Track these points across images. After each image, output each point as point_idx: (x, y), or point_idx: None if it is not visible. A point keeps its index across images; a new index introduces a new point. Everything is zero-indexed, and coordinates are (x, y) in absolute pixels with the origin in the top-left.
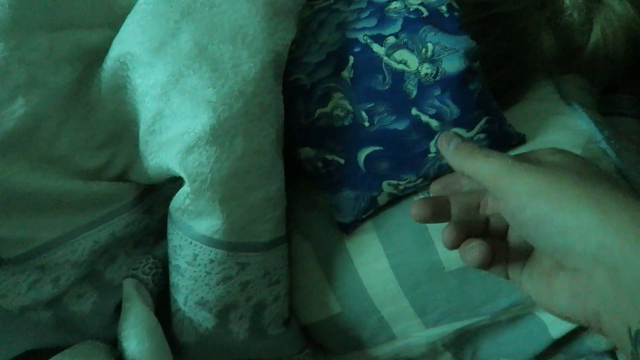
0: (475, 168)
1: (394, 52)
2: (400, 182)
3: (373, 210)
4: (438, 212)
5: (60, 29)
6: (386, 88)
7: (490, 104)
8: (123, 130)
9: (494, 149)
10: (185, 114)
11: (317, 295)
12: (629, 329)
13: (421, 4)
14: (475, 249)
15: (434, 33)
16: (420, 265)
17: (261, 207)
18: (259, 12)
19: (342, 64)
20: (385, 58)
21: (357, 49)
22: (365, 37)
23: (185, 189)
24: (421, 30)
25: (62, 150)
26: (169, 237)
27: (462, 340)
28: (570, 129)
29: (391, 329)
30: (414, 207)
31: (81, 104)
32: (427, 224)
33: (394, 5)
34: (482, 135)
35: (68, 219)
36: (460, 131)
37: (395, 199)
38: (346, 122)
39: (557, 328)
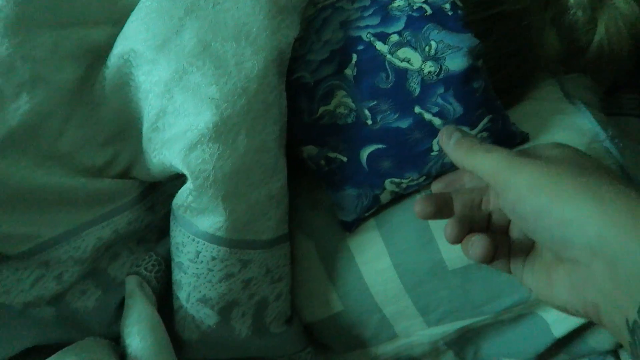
0: (476, 162)
1: (398, 50)
2: (403, 181)
3: (376, 209)
4: (441, 208)
5: (64, 26)
6: (389, 86)
7: (494, 103)
8: (127, 127)
9: None
10: (188, 111)
11: (319, 294)
12: (627, 320)
13: (425, 2)
14: (477, 243)
15: (437, 31)
16: (423, 263)
17: (264, 205)
18: (262, 9)
19: (346, 62)
20: (389, 56)
21: (360, 47)
22: (368, 35)
23: (188, 186)
24: (425, 29)
25: (65, 147)
26: (172, 234)
27: (464, 339)
28: (573, 128)
29: (393, 327)
30: (417, 204)
31: (85, 101)
32: (430, 223)
33: (397, 3)
34: (485, 134)
35: (71, 215)
36: (464, 129)
37: (397, 198)
38: (349, 120)
39: (560, 327)
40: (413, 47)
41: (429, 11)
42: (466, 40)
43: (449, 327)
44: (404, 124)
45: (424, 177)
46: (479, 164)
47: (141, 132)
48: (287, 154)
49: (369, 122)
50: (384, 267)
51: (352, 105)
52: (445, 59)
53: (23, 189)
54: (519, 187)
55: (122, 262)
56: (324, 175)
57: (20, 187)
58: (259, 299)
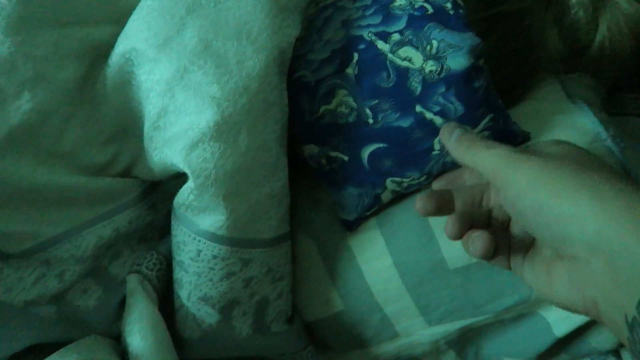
0: (476, 159)
1: (399, 49)
2: (404, 180)
3: (377, 208)
4: (442, 205)
5: (66, 25)
6: (390, 85)
7: (495, 102)
8: (128, 126)
9: None
10: (189, 109)
11: (320, 293)
12: (626, 317)
13: (426, 1)
14: (478, 239)
15: (438, 30)
16: (424, 263)
17: (265, 204)
18: (263, 8)
19: (347, 61)
20: (390, 55)
21: (361, 46)
22: (370, 34)
23: (190, 184)
24: (426, 28)
25: (67, 145)
26: (173, 232)
27: (465, 339)
28: (575, 127)
29: (394, 326)
30: (418, 201)
31: (87, 100)
32: (431, 222)
33: (398, 2)
34: (486, 133)
35: (73, 214)
36: (465, 126)
37: (399, 197)
38: (350, 119)
39: (561, 327)
40: (414, 46)
41: (431, 10)
42: (467, 39)
43: (450, 327)
44: (405, 123)
45: (425, 176)
46: (479, 160)
47: (142, 131)
48: (288, 153)
49: (370, 121)
50: (385, 266)
51: (353, 104)
52: (446, 58)
53: (24, 187)
54: (518, 184)
55: (123, 261)
56: (325, 174)
57: (21, 186)
58: (260, 298)
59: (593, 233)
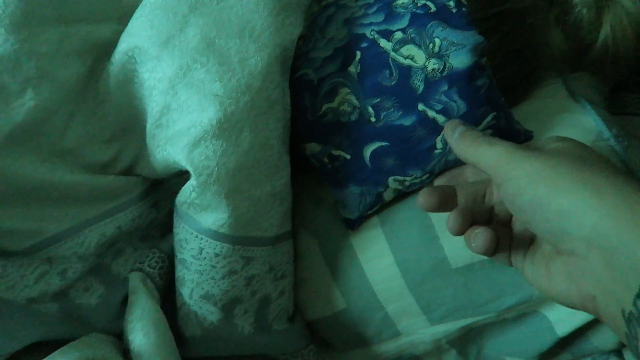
0: (478, 154)
1: (401, 47)
2: (406, 178)
3: (379, 206)
4: (445, 201)
5: (69, 22)
6: (393, 83)
7: (498, 100)
8: (131, 124)
9: None
10: (192, 107)
11: (322, 291)
12: (623, 311)
13: None
14: (480, 235)
15: (441, 28)
16: (426, 261)
17: (267, 202)
18: (266, 6)
19: (349, 59)
20: (392, 53)
21: (364, 44)
22: (372, 33)
23: (192, 182)
24: (429, 26)
25: (70, 143)
26: (175, 230)
27: (467, 338)
28: (578, 126)
29: (396, 325)
30: (421, 196)
31: (90, 98)
32: (433, 221)
33: (401, 0)
34: (489, 131)
35: (75, 212)
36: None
37: (401, 195)
38: (353, 118)
39: (563, 326)
40: (417, 45)
41: (433, 8)
42: (470, 37)
43: (452, 326)
44: (408, 121)
45: (427, 175)
46: (481, 156)
47: (145, 129)
48: (290, 152)
49: (373, 119)
50: (386, 265)
51: (356, 102)
52: (449, 57)
53: (27, 184)
54: (518, 179)
55: (125, 259)
56: (327, 172)
57: (24, 183)
58: (262, 296)
59: (591, 228)
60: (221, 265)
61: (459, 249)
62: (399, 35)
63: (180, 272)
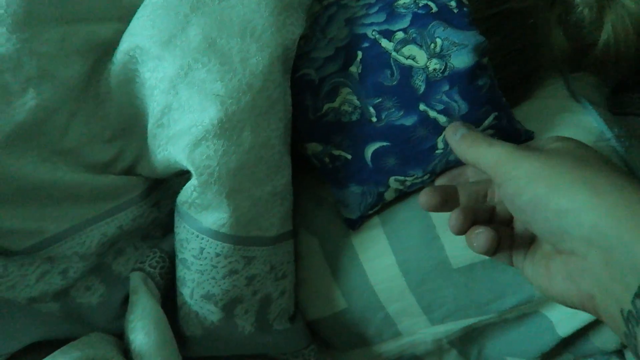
0: (478, 155)
1: (403, 47)
2: (407, 178)
3: (380, 206)
4: (446, 200)
5: (71, 22)
6: (394, 83)
7: (499, 100)
8: (132, 123)
9: None
10: (193, 107)
11: (323, 291)
12: (622, 310)
13: None
14: (482, 235)
15: (442, 28)
16: (427, 261)
17: (268, 201)
18: (267, 6)
19: (351, 59)
20: (394, 53)
21: (365, 44)
22: (373, 33)
23: (193, 182)
24: (430, 26)
25: (71, 142)
26: (176, 230)
27: (468, 338)
28: (579, 126)
29: (397, 325)
30: (422, 195)
31: (91, 97)
32: (434, 221)
33: (403, 0)
34: (490, 131)
35: (76, 211)
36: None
37: (402, 195)
38: (354, 118)
39: (565, 326)
40: (418, 45)
41: (435, 8)
42: (472, 37)
43: (453, 326)
44: (409, 121)
45: (429, 175)
46: (481, 157)
47: (146, 129)
48: (291, 151)
49: (374, 119)
50: (387, 265)
51: (357, 102)
52: (450, 57)
53: (28, 184)
54: (518, 179)
55: (126, 258)
56: (328, 172)
57: (25, 183)
58: (263, 295)
59: (589, 227)
60: (222, 265)
61: (460, 249)
62: (400, 35)
63: (181, 271)
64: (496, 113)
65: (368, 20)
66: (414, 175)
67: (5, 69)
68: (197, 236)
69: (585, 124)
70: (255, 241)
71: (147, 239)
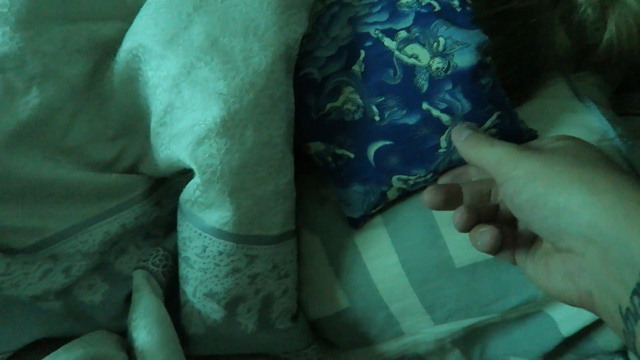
0: (480, 156)
1: (406, 46)
2: (410, 177)
3: (382, 205)
4: (450, 198)
5: (74, 21)
6: (397, 82)
7: (502, 100)
8: (135, 122)
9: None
10: (196, 105)
11: (326, 290)
12: (620, 307)
13: None
14: (486, 233)
15: (445, 27)
16: (430, 260)
17: (271, 200)
18: (270, 5)
19: (353, 58)
20: (397, 52)
21: (368, 43)
22: (376, 32)
23: (196, 180)
24: (433, 25)
25: (74, 141)
26: (179, 228)
27: (471, 338)
28: (582, 126)
29: (399, 325)
30: (426, 193)
31: (94, 96)
32: (437, 220)
33: None
34: (493, 131)
35: (79, 209)
36: (474, 126)
37: (405, 195)
38: (356, 117)
39: (568, 326)
40: (421, 44)
41: (438, 7)
42: (475, 36)
43: (456, 326)
44: (412, 120)
45: (432, 174)
46: (483, 157)
47: (149, 127)
48: (294, 150)
49: (377, 118)
50: (390, 264)
51: (360, 101)
52: (453, 56)
53: (31, 182)
54: (517, 179)
55: (129, 257)
56: (331, 171)
57: (28, 181)
58: (265, 294)
59: (586, 225)
60: (225, 263)
61: (463, 248)
62: (403, 34)
63: (183, 270)
64: (499, 112)
65: (371, 19)
66: (416, 174)
67: (8, 67)
68: (200, 234)
69: (589, 123)
70: (257, 240)
71: (149, 237)
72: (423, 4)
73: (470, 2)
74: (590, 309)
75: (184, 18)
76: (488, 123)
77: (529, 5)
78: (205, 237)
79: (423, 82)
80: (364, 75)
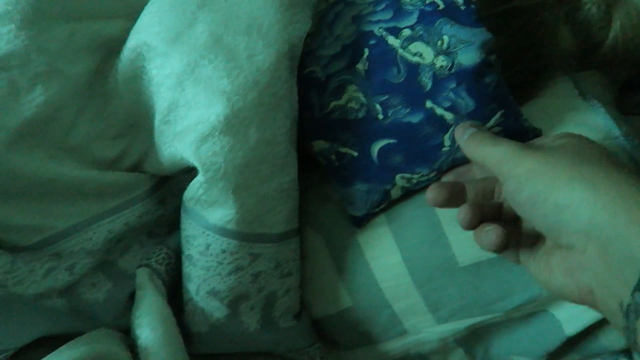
0: (484, 154)
1: (409, 44)
2: (414, 176)
3: (386, 204)
4: (454, 196)
5: (79, 19)
6: (401, 81)
7: (506, 98)
8: (139, 120)
9: None
10: (200, 103)
11: (329, 289)
12: (621, 304)
13: None
14: (491, 232)
15: (449, 25)
16: (433, 259)
17: (274, 198)
18: (274, 3)
19: (357, 57)
20: (401, 50)
21: (372, 42)
22: (380, 30)
23: (199, 178)
24: (437, 23)
25: (78, 139)
26: (182, 226)
27: (474, 337)
28: (587, 124)
29: (402, 324)
30: (430, 191)
31: (98, 94)
32: (441, 219)
33: None
34: (497, 129)
35: (83, 207)
36: (478, 124)
37: (408, 193)
38: (360, 115)
39: (572, 325)
40: (425, 42)
41: (442, 5)
42: (479, 34)
43: (459, 325)
44: (415, 118)
45: (435, 173)
46: (486, 155)
47: (153, 125)
48: (297, 149)
49: (380, 116)
50: (394, 263)
51: (363, 99)
52: (457, 54)
53: (35, 180)
54: (518, 177)
55: (132, 255)
56: (334, 170)
57: (32, 179)
58: (268, 293)
59: (586, 222)
60: (228, 261)
61: (467, 247)
62: (407, 32)
63: (187, 268)
64: (503, 111)
65: (375, 18)
66: (420, 173)
67: (13, 65)
68: (203, 232)
69: (593, 122)
70: (261, 238)
71: (153, 235)
72: (427, 2)
73: (474, 0)
74: (591, 305)
75: (188, 16)
76: (492, 121)
77: (533, 3)
78: (209, 235)
79: (427, 81)
80: (368, 74)
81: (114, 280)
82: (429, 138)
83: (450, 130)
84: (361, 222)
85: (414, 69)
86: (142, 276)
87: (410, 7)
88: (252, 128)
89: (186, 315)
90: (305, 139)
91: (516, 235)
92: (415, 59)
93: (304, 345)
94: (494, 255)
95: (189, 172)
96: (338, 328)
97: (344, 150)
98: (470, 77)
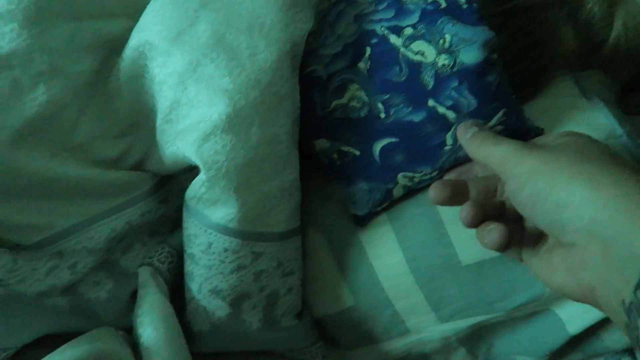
0: (486, 154)
1: (411, 43)
2: (416, 175)
3: (388, 203)
4: (456, 194)
5: (81, 18)
6: (403, 79)
7: (508, 97)
8: (141, 119)
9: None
10: (201, 102)
11: (331, 288)
12: (623, 301)
13: None
14: (494, 231)
15: (452, 24)
16: (436, 258)
17: (276, 197)
18: (276, 2)
19: (359, 56)
20: (402, 49)
21: (374, 40)
22: (382, 29)
23: (201, 177)
24: (439, 22)
25: (80, 138)
26: (184, 225)
27: (476, 336)
28: (589, 123)
29: (405, 323)
30: (432, 189)
31: (100, 93)
32: (443, 218)
33: None
34: (499, 128)
35: (85, 206)
36: (480, 122)
37: (410, 192)
38: (362, 114)
39: (575, 324)
40: (427, 40)
41: (444, 4)
42: (481, 33)
43: (462, 324)
44: (417, 117)
45: (437, 172)
46: (488, 155)
47: (155, 124)
48: (299, 148)
49: (382, 115)
50: (396, 262)
51: (365, 98)
52: (459, 52)
53: (38, 179)
54: (520, 176)
55: (134, 254)
56: (336, 169)
57: (34, 178)
58: (270, 291)
59: (588, 220)
60: (230, 260)
61: (469, 246)
62: (409, 31)
63: (189, 266)
64: (505, 109)
65: (377, 17)
66: (422, 172)
67: (16, 64)
68: (205, 231)
69: (596, 121)
70: (263, 237)
71: (155, 234)
72: (429, 1)
73: None
74: (593, 303)
75: (190, 15)
76: (494, 120)
77: (535, 2)
78: (211, 233)
79: (429, 79)
80: (370, 73)
81: (116, 279)
82: (431, 137)
83: (453, 129)
84: (363, 221)
85: (416, 68)
86: (144, 275)
87: (412, 6)
88: (254, 127)
89: (188, 314)
90: (307, 137)
91: (518, 233)
92: (417, 57)
93: (306, 344)
94: (496, 254)
95: (191, 171)
96: (340, 327)
97: (346, 149)
98: (473, 76)
